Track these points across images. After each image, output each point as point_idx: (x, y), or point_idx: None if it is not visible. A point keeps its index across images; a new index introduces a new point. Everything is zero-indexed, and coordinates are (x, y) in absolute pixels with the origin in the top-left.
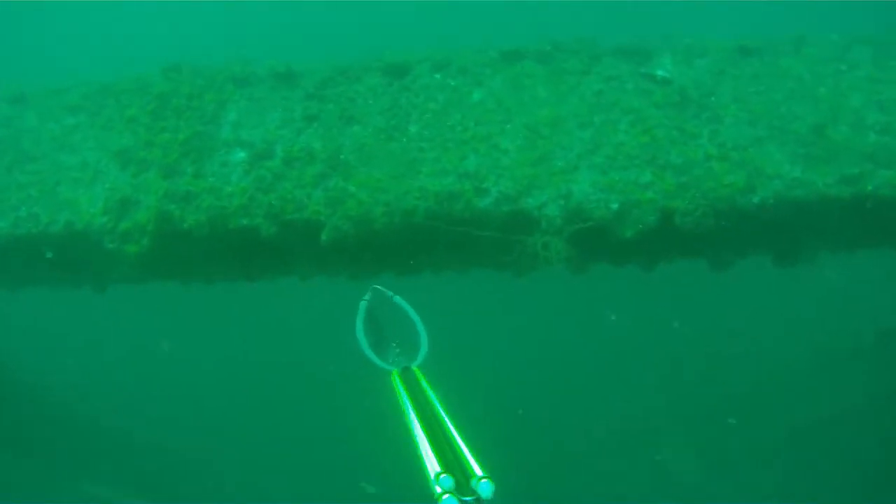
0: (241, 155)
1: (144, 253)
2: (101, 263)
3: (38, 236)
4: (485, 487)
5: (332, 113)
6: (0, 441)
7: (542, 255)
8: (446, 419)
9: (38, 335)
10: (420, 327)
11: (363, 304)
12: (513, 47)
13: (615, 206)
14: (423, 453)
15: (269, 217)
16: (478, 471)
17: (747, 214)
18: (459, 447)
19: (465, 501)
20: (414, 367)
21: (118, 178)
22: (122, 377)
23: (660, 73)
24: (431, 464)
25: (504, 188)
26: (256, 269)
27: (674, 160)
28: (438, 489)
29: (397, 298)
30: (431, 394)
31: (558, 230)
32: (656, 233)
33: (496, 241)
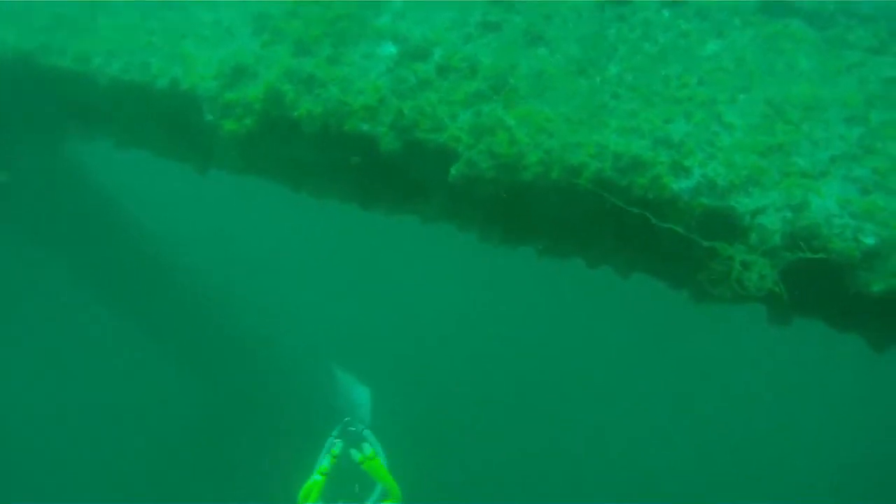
0: (391, 49)
1: (244, 135)
2: (204, 140)
3: (143, 87)
4: None
5: (517, 26)
6: None
7: (738, 277)
8: None
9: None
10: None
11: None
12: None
13: (870, 241)
14: None
15: (395, 128)
16: None
17: None
18: None
19: None
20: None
21: (245, 44)
22: None
23: None
24: None
25: (712, 173)
26: (374, 196)
27: None
28: None
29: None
30: None
31: (771, 251)
32: None
33: (679, 241)
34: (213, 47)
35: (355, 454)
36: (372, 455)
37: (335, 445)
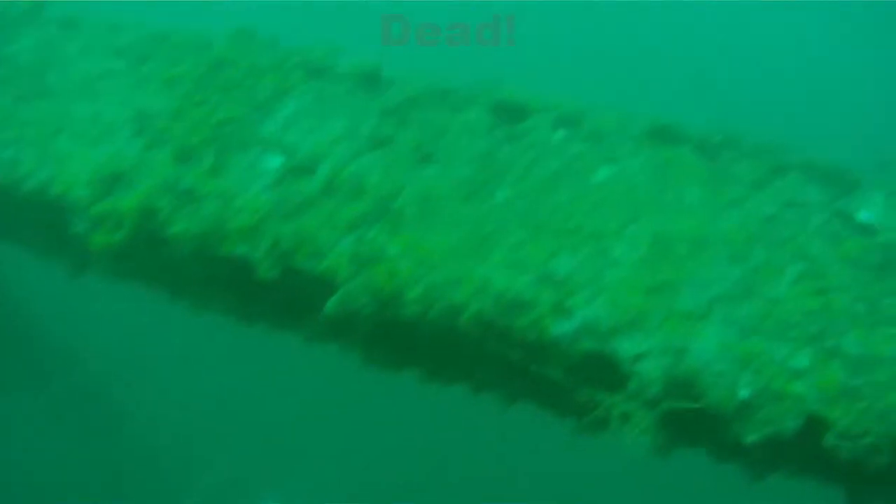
0: (276, 161)
1: (115, 248)
2: (78, 243)
3: (10, 187)
4: None
5: (408, 141)
6: None
7: (616, 427)
8: None
9: None
10: None
11: None
12: (668, 125)
13: (745, 393)
14: None
15: (273, 254)
16: None
17: None
18: None
19: None
20: None
21: (125, 146)
22: None
23: (862, 215)
24: None
25: (595, 315)
26: (256, 311)
27: (848, 347)
28: None
29: None
30: None
31: (651, 401)
32: (792, 447)
33: (558, 387)
34: (90, 146)
35: None
36: None
37: None
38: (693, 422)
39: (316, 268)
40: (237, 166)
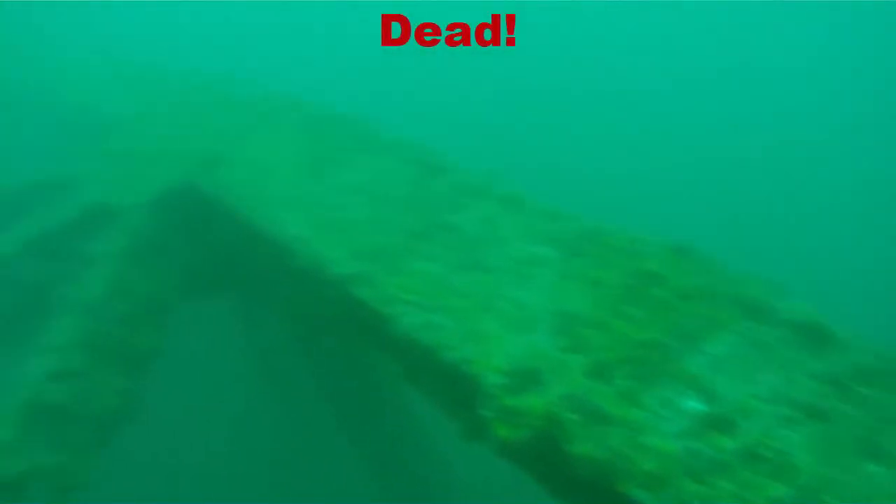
0: (695, 405)
1: (516, 443)
2: (478, 419)
3: (431, 351)
4: None
5: (849, 423)
6: None
7: None
8: None
9: None
10: None
11: None
12: None
13: None
14: None
15: None
16: None
17: None
18: None
19: None
20: None
21: (542, 343)
22: None
23: None
24: None
25: None
26: None
27: None
28: None
29: None
30: None
31: None
32: None
33: None
34: (510, 331)
35: None
36: None
37: None
38: None
39: None
40: (652, 398)
